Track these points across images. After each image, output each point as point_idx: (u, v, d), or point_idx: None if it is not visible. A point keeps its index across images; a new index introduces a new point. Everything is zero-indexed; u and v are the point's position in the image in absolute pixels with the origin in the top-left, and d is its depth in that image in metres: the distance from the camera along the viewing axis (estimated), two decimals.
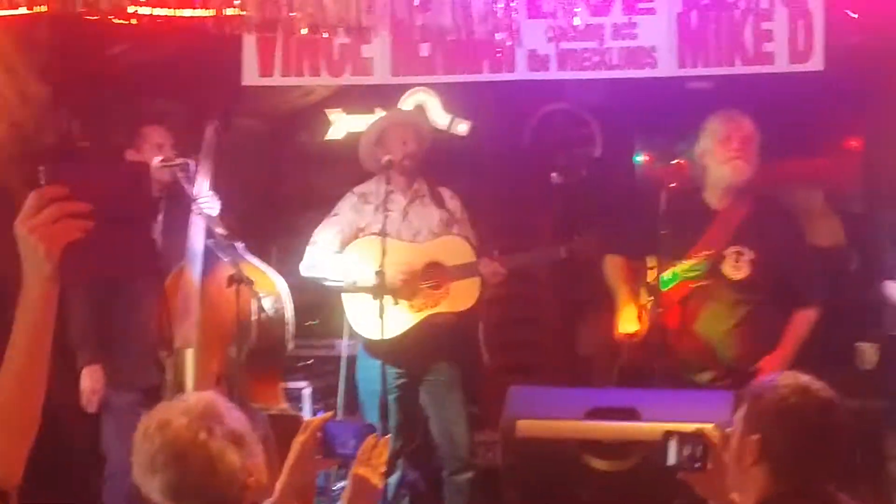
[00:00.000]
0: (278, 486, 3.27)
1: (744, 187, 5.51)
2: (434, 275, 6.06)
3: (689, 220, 5.40)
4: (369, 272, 5.81)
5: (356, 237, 6.11)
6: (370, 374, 5.97)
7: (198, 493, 3.04)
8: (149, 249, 2.47)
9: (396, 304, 5.97)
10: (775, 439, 3.05)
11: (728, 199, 5.50)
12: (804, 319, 5.47)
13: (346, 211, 6.16)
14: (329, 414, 3.46)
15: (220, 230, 5.70)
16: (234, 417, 3.11)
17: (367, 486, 3.15)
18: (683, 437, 3.38)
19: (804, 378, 3.15)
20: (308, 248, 6.13)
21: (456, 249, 6.10)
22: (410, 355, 6.04)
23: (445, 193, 6.26)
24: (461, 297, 6.07)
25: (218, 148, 5.88)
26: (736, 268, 5.33)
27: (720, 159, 5.47)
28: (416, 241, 6.12)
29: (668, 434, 3.40)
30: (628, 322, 5.48)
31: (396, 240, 6.03)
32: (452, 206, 6.24)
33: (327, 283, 6.09)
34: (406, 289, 6.01)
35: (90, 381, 5.82)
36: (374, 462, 3.16)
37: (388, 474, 5.97)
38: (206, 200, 5.74)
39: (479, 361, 7.60)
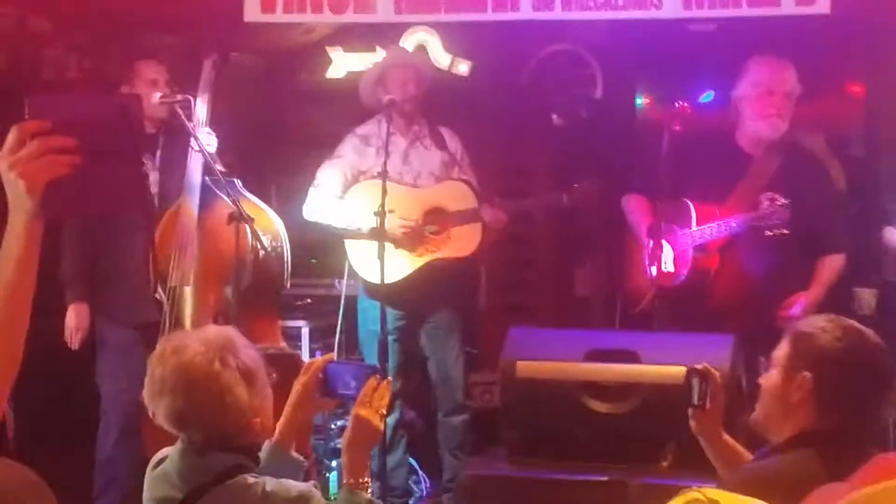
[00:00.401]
0: (279, 426, 3.28)
1: (774, 140, 5.50)
2: (435, 220, 6.06)
3: (725, 165, 5.38)
4: (371, 216, 5.80)
5: (358, 180, 6.10)
6: (370, 316, 5.98)
7: (201, 423, 3.06)
8: (138, 184, 2.43)
9: (398, 248, 5.97)
10: (830, 377, 3.11)
11: (762, 146, 5.48)
12: (833, 265, 5.54)
13: (349, 153, 6.15)
14: (331, 355, 3.46)
15: (218, 166, 5.68)
16: (250, 356, 3.14)
17: (368, 426, 3.14)
18: (702, 375, 3.42)
19: (850, 321, 3.22)
20: (311, 191, 6.13)
21: (458, 194, 6.09)
22: (411, 299, 6.06)
23: (446, 133, 6.25)
24: (462, 242, 6.08)
25: (216, 83, 5.85)
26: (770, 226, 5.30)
27: (758, 113, 5.47)
28: (418, 185, 6.12)
29: (692, 372, 3.43)
30: (662, 264, 5.46)
31: (398, 184, 6.02)
32: (453, 147, 6.23)
33: (331, 229, 6.08)
34: (407, 234, 6.00)
35: (75, 318, 5.84)
36: (376, 403, 3.16)
37: (386, 415, 6.03)
38: (203, 136, 5.72)
39: (477, 303, 7.61)
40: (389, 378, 3.25)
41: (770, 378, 3.24)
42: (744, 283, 5.45)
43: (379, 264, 5.72)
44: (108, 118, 2.17)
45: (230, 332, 3.21)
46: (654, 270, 5.44)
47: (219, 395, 3.03)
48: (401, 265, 6.02)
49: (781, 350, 3.24)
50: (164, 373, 3.07)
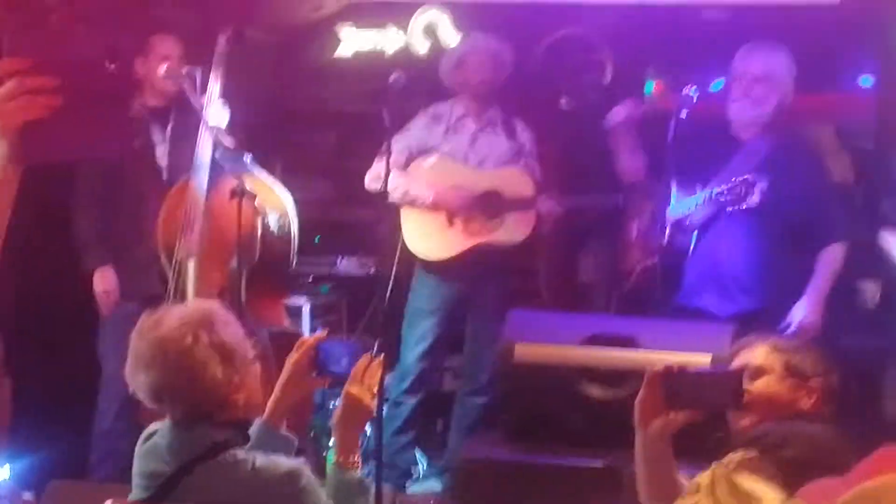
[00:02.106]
0: (270, 403, 3.27)
1: (765, 122, 5.47)
2: (491, 203, 6.07)
3: (716, 151, 5.35)
4: (426, 194, 5.93)
5: (423, 155, 6.15)
6: (420, 293, 6.12)
7: (176, 397, 3.06)
8: (122, 129, 2.34)
9: (451, 226, 6.00)
10: (833, 382, 3.28)
11: (751, 130, 5.46)
12: (833, 256, 5.50)
13: (419, 128, 6.23)
14: (323, 333, 3.44)
15: (228, 141, 5.67)
16: (229, 332, 3.11)
17: (359, 405, 3.13)
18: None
19: None
20: (375, 162, 6.12)
21: (517, 181, 6.14)
22: (459, 277, 6.15)
23: (519, 125, 6.29)
24: (515, 229, 6.13)
25: (229, 59, 5.83)
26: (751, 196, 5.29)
27: (732, 95, 5.49)
28: (481, 168, 6.11)
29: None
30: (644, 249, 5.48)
31: (460, 163, 6.11)
32: (524, 139, 6.28)
33: (387, 198, 6.09)
34: (462, 212, 6.02)
35: (103, 282, 5.88)
36: (367, 381, 3.14)
37: (414, 393, 6.03)
38: (216, 110, 5.70)
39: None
40: (381, 356, 3.21)
41: (770, 387, 3.20)
42: (716, 263, 5.43)
43: (433, 240, 5.99)
44: (91, 58, 2.07)
45: (211, 306, 3.19)
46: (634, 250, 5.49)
47: (190, 370, 3.03)
48: (452, 243, 6.11)
49: (769, 359, 3.21)
50: (141, 347, 3.07)
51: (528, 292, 7.04)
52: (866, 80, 7.56)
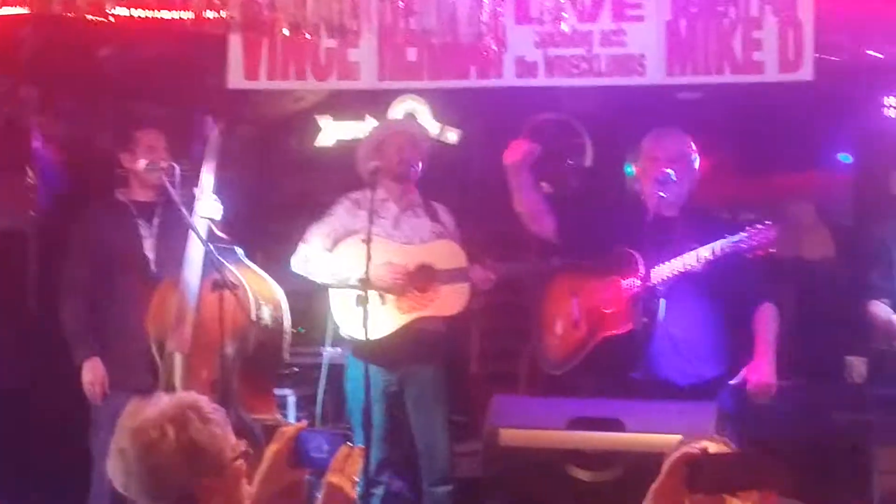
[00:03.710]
0: (249, 495, 3.21)
1: (685, 202, 5.50)
2: (424, 277, 6.04)
3: (649, 229, 5.34)
4: (358, 272, 5.76)
5: (349, 237, 6.10)
6: (358, 382, 5.92)
7: (141, 492, 3.02)
8: (23, 196, 2.35)
9: (384, 304, 5.95)
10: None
11: (672, 210, 5.47)
12: (766, 315, 5.48)
13: (341, 213, 6.17)
14: (303, 423, 3.41)
15: (220, 234, 5.69)
16: (206, 430, 3.05)
17: (340, 494, 3.08)
18: None
19: None
20: (300, 245, 6.13)
21: (448, 254, 6.09)
22: (396, 358, 6.02)
23: (439, 207, 6.27)
24: (450, 301, 6.05)
25: (221, 151, 5.86)
26: (696, 265, 5.29)
27: (647, 177, 5.52)
28: (410, 245, 6.11)
29: None
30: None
31: (388, 240, 6.02)
32: (445, 220, 6.23)
33: (317, 281, 6.07)
34: (395, 289, 5.98)
35: (91, 373, 5.84)
36: (348, 470, 3.09)
37: (373, 486, 5.97)
38: (209, 204, 5.72)
39: (467, 370, 7.56)
40: (361, 445, 3.18)
41: None
42: (671, 334, 5.40)
43: (365, 321, 5.68)
44: None
45: (196, 401, 3.12)
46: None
47: (151, 467, 2.98)
48: (386, 321, 5.98)
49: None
50: (117, 433, 3.04)
51: (511, 376, 7.04)
52: (845, 157, 7.63)
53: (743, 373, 5.36)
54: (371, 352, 5.77)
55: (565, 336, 5.63)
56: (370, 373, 5.88)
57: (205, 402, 3.16)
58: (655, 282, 5.26)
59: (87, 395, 5.85)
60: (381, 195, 6.07)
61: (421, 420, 6.16)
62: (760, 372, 5.38)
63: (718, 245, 5.16)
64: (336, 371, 6.34)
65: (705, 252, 5.19)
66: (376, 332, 5.82)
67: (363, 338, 5.69)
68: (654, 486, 2.82)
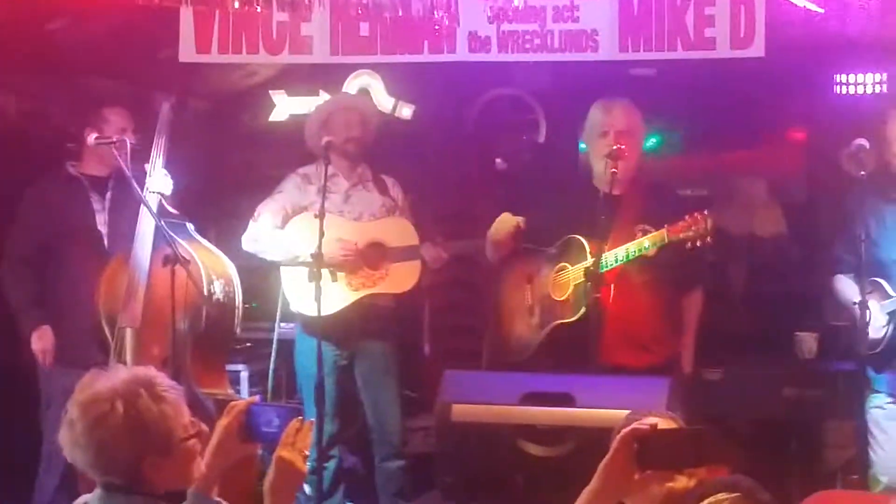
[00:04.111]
0: (201, 469, 3.20)
1: (634, 176, 5.49)
2: (375, 254, 6.03)
3: (598, 208, 5.32)
4: (308, 249, 5.74)
5: (297, 215, 6.08)
6: (308, 357, 5.90)
7: (89, 464, 3.03)
8: None
9: (335, 281, 5.95)
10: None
11: (622, 186, 5.44)
12: (693, 301, 5.59)
13: (290, 189, 6.16)
14: (253, 397, 3.40)
15: (171, 210, 5.67)
16: (154, 408, 3.05)
17: (291, 469, 3.08)
18: None
19: None
20: (250, 224, 6.13)
21: (399, 231, 6.09)
22: (347, 334, 6.03)
23: (388, 181, 6.26)
24: (400, 278, 6.05)
25: (172, 126, 5.83)
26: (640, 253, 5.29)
27: (596, 153, 5.49)
28: (360, 221, 6.09)
29: None
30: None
31: (339, 216, 6.00)
32: (395, 194, 6.24)
33: (267, 259, 6.05)
34: (345, 266, 5.97)
35: (40, 341, 5.85)
36: (299, 445, 3.09)
37: (325, 460, 5.98)
38: (159, 179, 5.69)
39: (420, 346, 7.56)
40: (312, 419, 3.17)
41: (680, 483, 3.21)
42: (629, 317, 5.41)
43: (315, 298, 5.66)
44: None
45: (149, 376, 3.12)
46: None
47: (99, 440, 2.98)
48: (337, 298, 5.99)
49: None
50: (70, 405, 3.04)
51: (464, 352, 7.04)
52: (796, 134, 7.66)
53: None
54: (322, 328, 5.74)
55: (521, 324, 5.64)
56: (320, 347, 5.88)
57: (161, 378, 3.15)
58: (603, 269, 5.24)
59: (39, 361, 5.83)
60: (330, 171, 6.02)
61: (371, 395, 6.17)
62: (688, 364, 5.48)
63: (659, 236, 5.15)
64: (287, 346, 6.33)
65: (647, 243, 5.18)
66: (327, 309, 5.79)
67: (314, 314, 5.64)
68: (603, 461, 2.82)
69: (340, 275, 6.00)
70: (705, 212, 5.09)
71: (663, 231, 5.14)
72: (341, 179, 6.19)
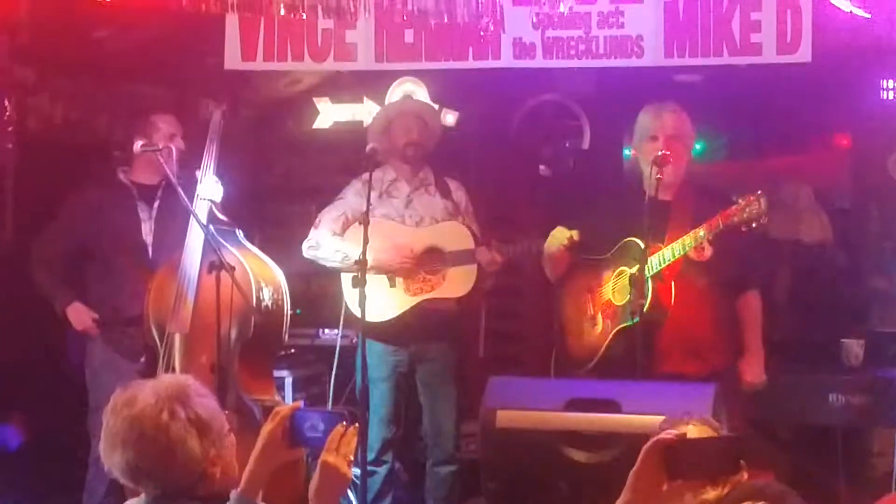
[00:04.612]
0: (245, 474, 3.22)
1: (683, 180, 5.47)
2: (432, 259, 6.06)
3: (649, 214, 5.29)
4: (369, 252, 5.73)
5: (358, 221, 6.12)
6: (370, 361, 5.97)
7: (153, 475, 3.01)
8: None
9: (393, 287, 5.98)
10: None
11: (671, 191, 5.43)
12: (752, 306, 5.50)
13: (351, 196, 6.20)
14: (297, 402, 3.42)
15: (221, 216, 5.70)
16: (203, 405, 3.09)
17: (336, 473, 3.09)
18: None
19: None
20: (311, 231, 6.17)
21: (455, 235, 6.11)
22: (408, 338, 6.08)
23: (452, 184, 6.30)
24: (457, 283, 6.08)
25: (223, 133, 5.85)
26: (699, 250, 5.25)
27: (646, 158, 5.44)
28: (419, 227, 6.15)
29: None
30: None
31: (398, 223, 6.09)
32: (458, 197, 6.27)
33: (327, 266, 6.07)
34: (403, 272, 6.02)
35: (77, 314, 5.87)
36: (343, 450, 3.10)
37: (379, 464, 6.00)
38: (210, 185, 5.72)
39: (474, 352, 7.55)
40: (356, 424, 3.17)
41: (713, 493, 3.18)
42: (682, 324, 5.36)
43: (376, 302, 5.81)
44: None
45: (185, 381, 3.16)
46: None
47: (168, 446, 2.99)
48: (395, 303, 6.05)
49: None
50: (116, 426, 3.03)
51: (510, 358, 7.04)
52: (842, 140, 7.62)
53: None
54: (381, 332, 5.86)
55: (585, 334, 5.62)
56: (380, 353, 6.00)
57: (191, 379, 3.19)
58: (661, 268, 5.22)
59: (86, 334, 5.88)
60: (391, 175, 6.17)
61: (430, 398, 6.21)
62: (753, 371, 5.42)
63: (713, 220, 5.11)
64: (332, 353, 6.34)
65: (702, 231, 5.15)
66: (386, 314, 5.94)
67: (372, 320, 5.76)
68: (631, 472, 2.80)
69: (399, 280, 6.04)
70: (758, 192, 5.05)
71: (717, 218, 5.09)
72: (402, 184, 6.24)
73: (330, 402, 6.42)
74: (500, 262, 6.07)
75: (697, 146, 6.70)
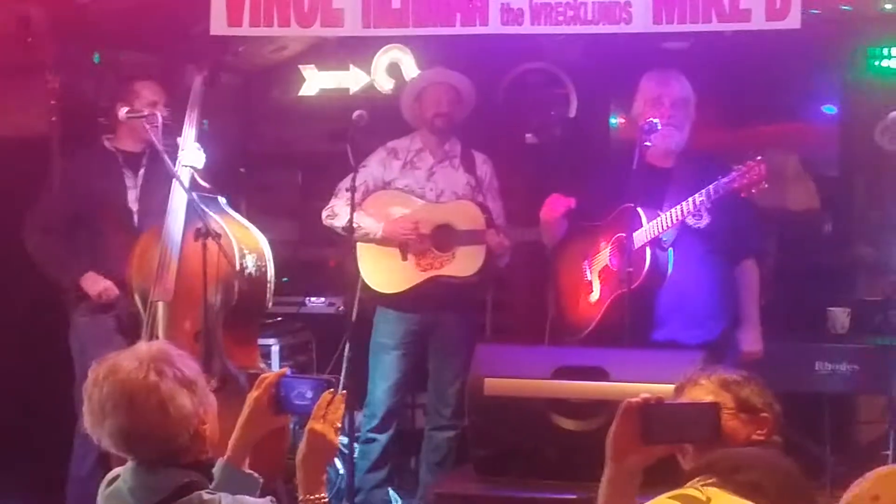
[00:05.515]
0: (231, 441, 3.21)
1: (683, 148, 5.45)
2: (443, 236, 6.07)
3: (648, 182, 5.27)
4: (377, 226, 5.99)
5: (379, 190, 6.19)
6: (382, 329, 6.14)
7: (149, 437, 2.99)
8: (41, 106, 2.30)
9: (405, 260, 6.06)
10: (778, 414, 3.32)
11: (671, 159, 5.42)
12: (749, 274, 5.52)
13: (373, 164, 6.24)
14: (284, 369, 3.40)
15: (203, 184, 5.66)
16: (186, 364, 3.08)
17: (323, 441, 3.08)
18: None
19: None
20: (332, 199, 6.19)
21: (468, 214, 6.14)
22: (419, 307, 6.16)
23: (479, 158, 6.31)
24: (466, 262, 6.12)
25: (204, 100, 5.83)
26: (697, 217, 5.25)
27: (650, 123, 5.38)
28: (438, 201, 6.20)
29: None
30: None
31: (416, 197, 6.18)
32: (482, 172, 6.28)
33: (343, 233, 6.07)
34: (409, 245, 6.08)
35: (94, 281, 5.82)
36: (331, 417, 3.09)
37: (384, 430, 6.09)
38: (192, 153, 5.68)
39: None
40: (344, 391, 3.16)
41: (727, 423, 3.13)
42: (679, 291, 5.36)
43: (387, 275, 6.04)
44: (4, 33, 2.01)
45: (162, 345, 3.16)
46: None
47: (160, 405, 2.97)
48: (405, 277, 6.12)
49: (721, 397, 3.19)
50: (102, 396, 3.00)
51: (498, 328, 7.02)
52: (829, 109, 7.60)
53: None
54: (393, 301, 6.07)
55: (581, 301, 5.61)
56: (392, 320, 6.15)
57: (169, 344, 3.18)
58: (659, 233, 5.21)
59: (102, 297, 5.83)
60: (418, 145, 6.26)
61: (437, 365, 6.28)
62: (749, 341, 5.42)
63: (712, 186, 5.09)
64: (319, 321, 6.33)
65: (700, 196, 5.13)
66: (395, 287, 6.09)
67: (384, 290, 6.03)
68: (610, 430, 2.77)
69: (411, 255, 6.09)
70: (759, 157, 5.03)
71: (716, 184, 5.07)
72: (427, 155, 6.28)
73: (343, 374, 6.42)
74: (507, 245, 6.09)
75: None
